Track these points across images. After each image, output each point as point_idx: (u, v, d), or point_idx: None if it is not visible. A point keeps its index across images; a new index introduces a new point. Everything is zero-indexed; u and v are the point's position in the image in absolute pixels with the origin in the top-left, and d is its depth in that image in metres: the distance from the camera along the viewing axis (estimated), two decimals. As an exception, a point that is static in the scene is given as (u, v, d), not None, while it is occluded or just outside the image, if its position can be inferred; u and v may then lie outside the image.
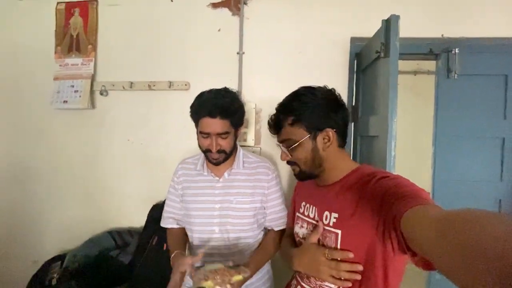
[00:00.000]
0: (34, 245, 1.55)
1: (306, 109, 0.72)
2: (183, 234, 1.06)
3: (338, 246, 0.67)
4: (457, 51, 1.30)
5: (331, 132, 0.72)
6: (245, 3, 1.38)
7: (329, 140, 0.72)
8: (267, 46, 1.38)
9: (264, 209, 1.04)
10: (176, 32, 1.43)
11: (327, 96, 0.75)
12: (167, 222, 1.07)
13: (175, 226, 1.06)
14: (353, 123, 1.36)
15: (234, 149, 1.02)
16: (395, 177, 0.63)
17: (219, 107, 0.88)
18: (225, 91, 0.95)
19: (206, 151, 0.95)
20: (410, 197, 0.52)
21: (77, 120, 1.51)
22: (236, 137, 1.00)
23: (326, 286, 0.70)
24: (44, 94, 1.50)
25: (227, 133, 0.92)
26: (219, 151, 0.93)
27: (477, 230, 0.30)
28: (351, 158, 1.37)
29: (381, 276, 0.64)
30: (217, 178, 1.01)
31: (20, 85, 1.57)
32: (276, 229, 1.05)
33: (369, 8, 1.31)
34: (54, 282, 1.18)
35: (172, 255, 0.93)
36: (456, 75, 1.31)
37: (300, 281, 0.78)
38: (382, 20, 0.97)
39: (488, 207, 1.34)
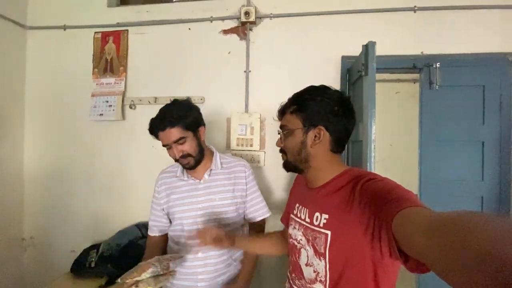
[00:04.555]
0: (72, 237, 1.77)
1: (309, 103, 0.72)
2: (160, 242, 1.14)
3: (328, 247, 0.66)
4: (437, 65, 1.48)
5: (323, 132, 0.71)
6: (250, 30, 1.61)
7: (318, 138, 0.71)
8: (270, 65, 1.59)
9: (244, 203, 1.13)
10: (193, 55, 1.67)
11: (335, 98, 0.72)
12: (152, 230, 1.13)
13: (157, 234, 1.13)
14: (346, 130, 1.55)
15: (204, 150, 1.06)
16: (383, 179, 0.62)
17: (164, 119, 0.96)
18: (172, 103, 1.02)
19: (176, 161, 1.03)
20: (399, 200, 0.51)
21: (111, 130, 1.74)
22: (198, 138, 1.03)
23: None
24: (83, 108, 1.74)
25: (182, 138, 0.97)
26: (183, 156, 0.98)
27: (468, 231, 0.31)
28: (345, 161, 1.56)
29: (371, 277, 0.63)
30: (198, 180, 1.07)
31: (64, 101, 1.80)
32: (258, 219, 1.15)
33: (357, 31, 1.51)
34: (93, 264, 1.40)
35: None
36: (437, 86, 1.49)
37: (292, 284, 0.80)
38: (362, 45, 1.17)
39: (471, 204, 1.46)
